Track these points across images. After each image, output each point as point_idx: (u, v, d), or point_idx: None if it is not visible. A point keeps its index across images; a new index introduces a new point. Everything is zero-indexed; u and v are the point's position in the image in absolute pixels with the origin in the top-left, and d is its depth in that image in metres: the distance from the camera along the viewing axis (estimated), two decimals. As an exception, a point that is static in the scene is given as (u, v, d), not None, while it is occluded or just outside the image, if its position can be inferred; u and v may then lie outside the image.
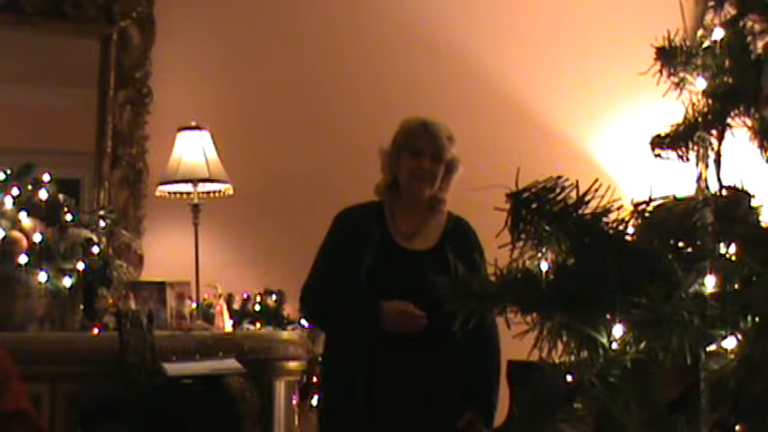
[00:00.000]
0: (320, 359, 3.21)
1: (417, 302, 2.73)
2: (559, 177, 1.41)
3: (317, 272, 2.97)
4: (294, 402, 4.03)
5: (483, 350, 2.87)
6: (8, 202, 3.81)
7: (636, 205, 1.44)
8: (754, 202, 1.50)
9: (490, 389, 2.93)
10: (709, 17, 1.83)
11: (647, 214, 1.43)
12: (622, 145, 4.87)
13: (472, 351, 2.82)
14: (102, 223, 4.08)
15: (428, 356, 2.81)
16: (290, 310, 4.28)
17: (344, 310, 2.91)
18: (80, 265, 3.77)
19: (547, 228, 1.38)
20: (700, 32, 1.83)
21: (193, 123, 4.20)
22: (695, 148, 1.78)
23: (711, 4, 1.82)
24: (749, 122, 1.73)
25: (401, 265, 2.88)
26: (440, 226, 2.98)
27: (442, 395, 2.84)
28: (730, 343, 1.35)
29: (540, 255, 1.42)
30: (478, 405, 2.89)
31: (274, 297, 4.28)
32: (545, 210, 1.38)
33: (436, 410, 2.83)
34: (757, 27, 1.76)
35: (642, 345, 1.35)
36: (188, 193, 4.21)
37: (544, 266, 1.42)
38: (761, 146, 1.74)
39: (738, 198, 1.50)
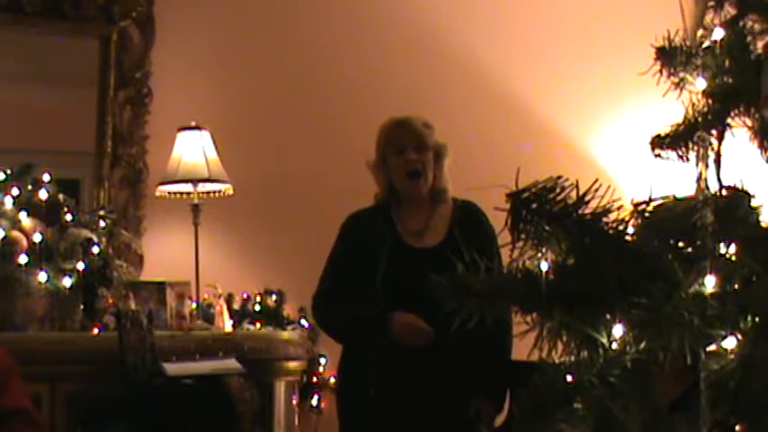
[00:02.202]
0: (337, 368, 3.18)
1: (430, 303, 2.69)
2: (559, 177, 1.41)
3: (327, 280, 2.96)
4: (294, 402, 4.03)
5: (492, 338, 2.80)
6: (8, 202, 3.81)
7: (636, 205, 1.44)
8: (754, 202, 1.50)
9: (499, 376, 2.89)
10: (709, 17, 1.83)
11: (647, 214, 1.43)
12: (622, 145, 4.87)
13: (484, 340, 2.75)
14: (102, 223, 4.08)
15: (439, 358, 2.79)
16: (289, 310, 4.28)
17: (354, 320, 2.89)
18: (80, 265, 3.77)
19: (547, 228, 1.39)
20: (700, 32, 1.83)
21: (193, 123, 4.20)
22: (695, 148, 1.78)
23: (711, 4, 1.82)
24: (749, 122, 1.73)
25: (413, 265, 2.85)
26: (447, 217, 2.97)
27: (452, 395, 2.82)
28: (730, 343, 1.35)
29: (540, 255, 1.42)
30: (488, 392, 2.86)
31: (274, 297, 4.28)
32: (545, 210, 1.38)
33: (448, 410, 2.81)
34: (757, 27, 1.76)
35: (642, 345, 1.35)
36: (188, 193, 4.21)
37: (544, 266, 1.42)
38: (761, 146, 1.74)
39: (738, 198, 1.50)
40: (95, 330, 3.70)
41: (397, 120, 2.98)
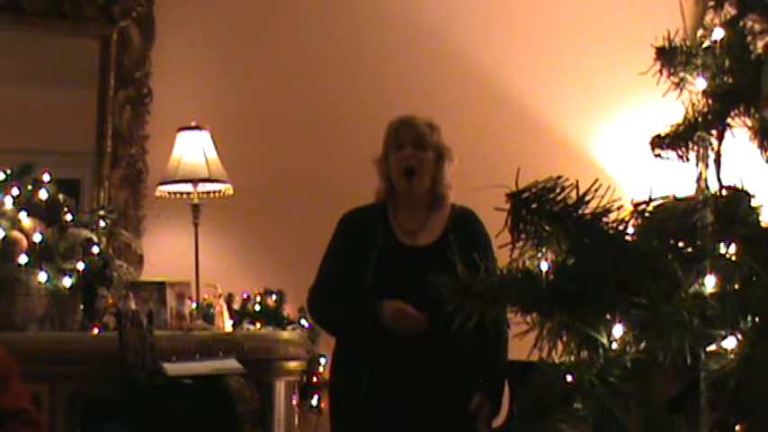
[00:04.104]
0: (329, 363, 3.20)
1: (420, 300, 2.72)
2: (559, 177, 1.41)
3: (322, 276, 2.99)
4: (294, 402, 4.03)
5: (489, 337, 2.79)
6: (8, 202, 3.81)
7: (636, 205, 1.44)
8: (754, 202, 1.50)
9: (498, 372, 2.91)
10: (709, 17, 1.83)
11: (647, 214, 1.43)
12: (622, 145, 4.87)
13: (478, 339, 2.75)
14: (102, 223, 4.08)
15: (431, 354, 2.80)
16: (290, 310, 4.28)
17: (347, 311, 2.91)
18: (80, 265, 3.77)
19: (547, 228, 1.39)
20: (700, 32, 1.83)
21: (193, 123, 4.20)
22: (695, 148, 1.78)
23: (711, 4, 1.82)
24: (749, 122, 1.73)
25: (404, 262, 2.88)
26: (443, 220, 2.98)
27: (445, 392, 2.83)
28: (730, 343, 1.35)
29: (540, 255, 1.42)
30: (487, 387, 2.87)
31: (274, 297, 4.27)
32: (545, 210, 1.38)
33: (440, 407, 2.82)
34: (757, 27, 1.76)
35: (642, 345, 1.35)
36: (188, 193, 4.21)
37: (544, 266, 1.42)
38: (761, 146, 1.74)
39: (738, 198, 1.50)
40: (95, 330, 3.70)
41: (401, 117, 3.01)
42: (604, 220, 1.40)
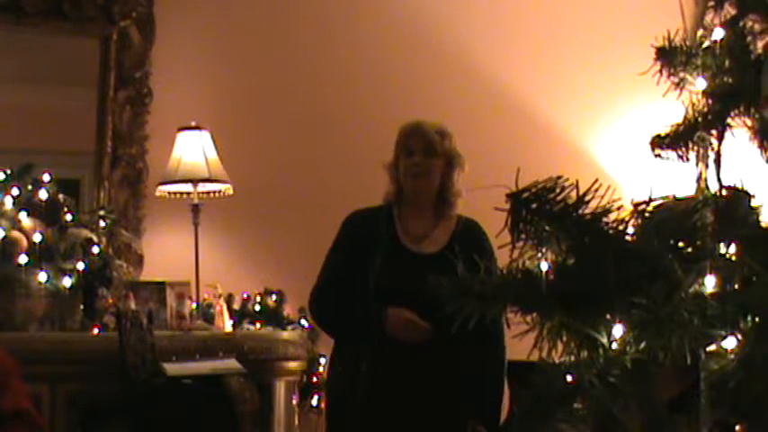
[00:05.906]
0: (327, 363, 3.20)
1: (423, 306, 2.71)
2: (559, 177, 1.41)
3: (324, 276, 2.98)
4: (294, 402, 4.03)
5: (487, 352, 2.83)
6: (8, 202, 3.81)
7: (636, 205, 1.44)
8: (754, 202, 1.50)
9: (495, 392, 2.91)
10: (709, 17, 1.83)
11: (647, 214, 1.43)
12: (622, 145, 4.87)
13: (476, 353, 2.78)
14: (102, 223, 4.08)
15: (431, 362, 2.80)
16: (290, 310, 4.28)
17: (350, 315, 2.91)
18: (80, 265, 3.77)
19: (547, 228, 1.39)
20: (700, 32, 1.83)
21: (193, 123, 4.20)
22: (695, 148, 1.78)
23: (711, 4, 1.82)
24: (749, 122, 1.73)
25: (408, 268, 2.86)
26: (449, 229, 2.97)
27: (443, 401, 2.82)
28: (730, 343, 1.35)
29: (540, 255, 1.42)
30: (482, 409, 2.86)
31: (274, 297, 4.27)
32: (545, 210, 1.38)
33: (438, 416, 2.82)
34: (757, 27, 1.76)
35: (642, 345, 1.35)
36: (188, 193, 4.21)
37: (544, 266, 1.42)
38: (761, 146, 1.74)
39: (738, 198, 1.50)
40: (95, 330, 3.70)
41: (412, 123, 3.01)
42: (604, 220, 1.40)
